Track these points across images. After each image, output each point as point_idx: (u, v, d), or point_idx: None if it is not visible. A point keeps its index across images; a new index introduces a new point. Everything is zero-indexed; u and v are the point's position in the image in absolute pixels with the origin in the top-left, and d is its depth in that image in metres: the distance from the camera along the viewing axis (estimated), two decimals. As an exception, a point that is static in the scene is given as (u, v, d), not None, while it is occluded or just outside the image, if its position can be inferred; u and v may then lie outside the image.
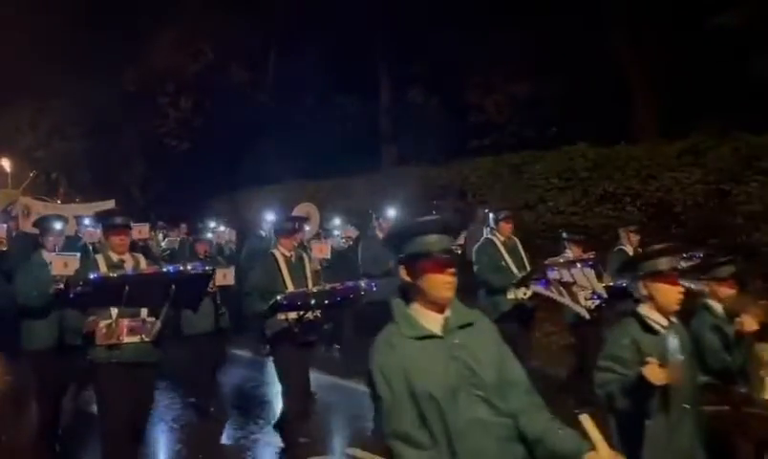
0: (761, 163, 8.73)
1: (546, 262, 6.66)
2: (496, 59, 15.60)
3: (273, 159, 17.38)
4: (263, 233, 10.60)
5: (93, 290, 4.23)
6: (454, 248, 2.66)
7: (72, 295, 4.40)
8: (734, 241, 8.31)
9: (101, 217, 5.52)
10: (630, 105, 14.13)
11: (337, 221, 11.27)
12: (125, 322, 4.48)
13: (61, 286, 5.12)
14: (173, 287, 4.33)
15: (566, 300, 6.54)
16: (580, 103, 14.17)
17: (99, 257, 4.85)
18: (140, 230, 8.67)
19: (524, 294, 6.58)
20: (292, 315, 5.44)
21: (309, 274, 5.81)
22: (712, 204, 9.10)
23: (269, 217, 10.49)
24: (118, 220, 4.89)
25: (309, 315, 5.52)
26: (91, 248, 8.83)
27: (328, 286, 5.52)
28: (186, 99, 19.29)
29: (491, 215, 7.18)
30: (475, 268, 6.98)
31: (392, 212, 8.87)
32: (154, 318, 4.54)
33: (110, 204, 12.17)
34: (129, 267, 4.74)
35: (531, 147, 12.38)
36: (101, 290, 4.28)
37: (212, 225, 11.15)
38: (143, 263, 4.96)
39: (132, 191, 19.49)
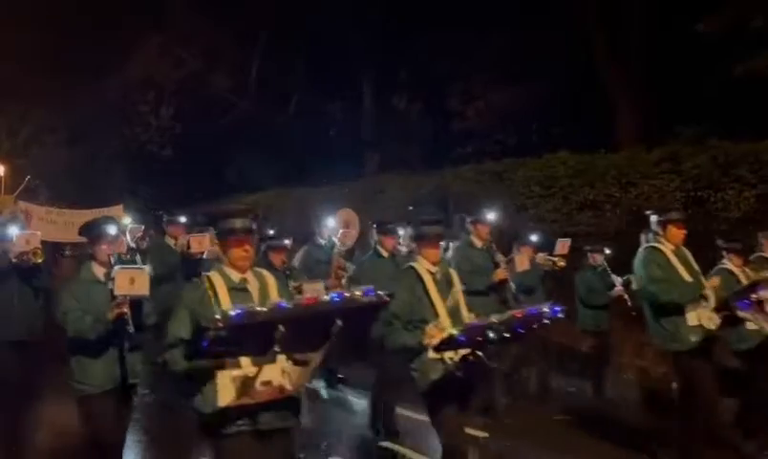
0: (738, 170, 8.86)
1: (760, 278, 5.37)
2: (477, 67, 15.71)
3: (256, 166, 17.34)
4: (322, 242, 9.47)
5: (232, 332, 2.81)
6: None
7: (205, 345, 3.01)
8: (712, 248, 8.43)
9: (211, 219, 4.54)
10: (611, 113, 14.28)
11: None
12: (266, 373, 3.20)
13: (124, 310, 4.09)
14: (339, 322, 3.02)
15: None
16: (561, 111, 14.31)
17: (215, 278, 3.49)
18: (200, 242, 7.23)
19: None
20: (448, 353, 4.09)
21: (460, 297, 4.57)
22: (690, 211, 9.21)
23: (330, 224, 9.48)
24: (239, 223, 3.50)
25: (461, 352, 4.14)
26: (117, 257, 8.35)
27: (508, 313, 3.98)
28: (168, 107, 19.20)
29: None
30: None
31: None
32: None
33: (118, 208, 11.43)
34: (255, 290, 3.50)
35: (513, 155, 12.45)
36: (245, 332, 2.89)
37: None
38: (272, 284, 3.63)
39: (112, 199, 19.32)
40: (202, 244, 7.24)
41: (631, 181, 10.03)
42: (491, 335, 3.79)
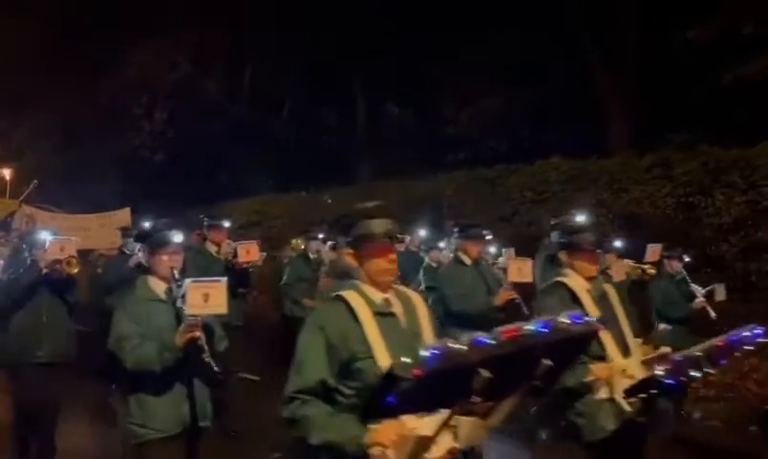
0: (728, 176, 8.91)
1: None
2: (470, 73, 15.76)
3: (249, 171, 17.34)
4: (413, 248, 8.70)
5: (427, 382, 1.96)
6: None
7: (393, 401, 2.10)
8: (702, 253, 8.47)
9: (341, 225, 3.03)
10: (603, 119, 14.35)
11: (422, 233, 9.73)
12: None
13: (197, 334, 3.39)
14: (546, 361, 2.14)
15: None
16: (553, 117, 14.37)
17: (353, 298, 2.57)
18: (249, 250, 6.50)
19: None
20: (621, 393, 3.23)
21: (621, 317, 3.65)
22: (681, 216, 9.25)
23: (422, 232, 8.74)
24: (381, 227, 2.64)
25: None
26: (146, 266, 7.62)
27: (708, 342, 3.07)
28: (161, 111, 19.18)
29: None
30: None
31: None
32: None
33: (126, 212, 11.15)
34: (401, 316, 2.63)
35: (505, 161, 12.49)
36: (440, 381, 2.00)
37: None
38: (420, 306, 2.72)
39: (105, 203, 19.28)
40: (251, 253, 6.49)
41: (623, 186, 10.07)
42: (693, 373, 2.91)
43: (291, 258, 9.01)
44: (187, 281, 3.50)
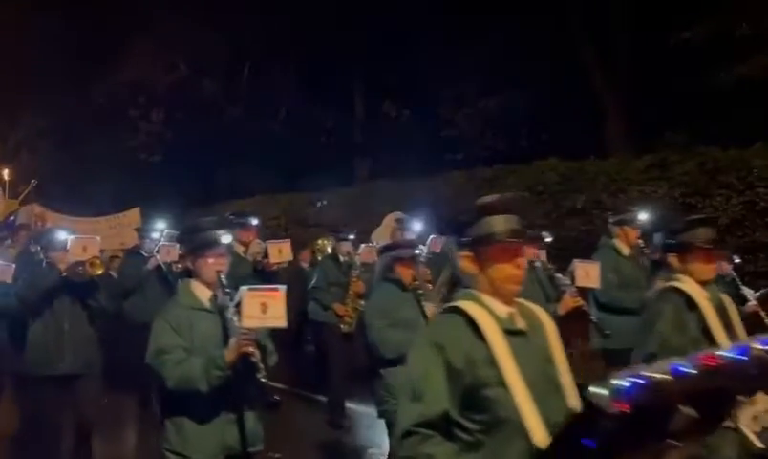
0: (726, 177, 8.94)
1: None
2: (467, 74, 15.78)
3: (246, 172, 17.33)
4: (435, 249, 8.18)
5: (630, 419, 1.52)
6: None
7: (591, 443, 1.59)
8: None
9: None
10: (600, 120, 14.38)
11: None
12: None
13: (250, 349, 2.99)
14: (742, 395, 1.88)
15: None
16: (551, 118, 14.39)
17: (476, 311, 2.13)
18: (281, 249, 6.09)
19: None
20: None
21: (740, 330, 3.24)
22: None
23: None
24: (505, 224, 2.14)
25: None
26: (166, 271, 6.98)
27: None
28: (158, 112, 19.16)
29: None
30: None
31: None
32: None
33: (135, 212, 10.90)
34: (523, 325, 2.21)
35: (503, 161, 12.51)
36: (642, 418, 1.57)
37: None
38: (548, 324, 2.31)
39: (103, 204, 19.25)
40: (284, 252, 6.05)
41: (620, 187, 10.09)
42: None
43: (321, 260, 8.31)
44: (243, 289, 3.08)
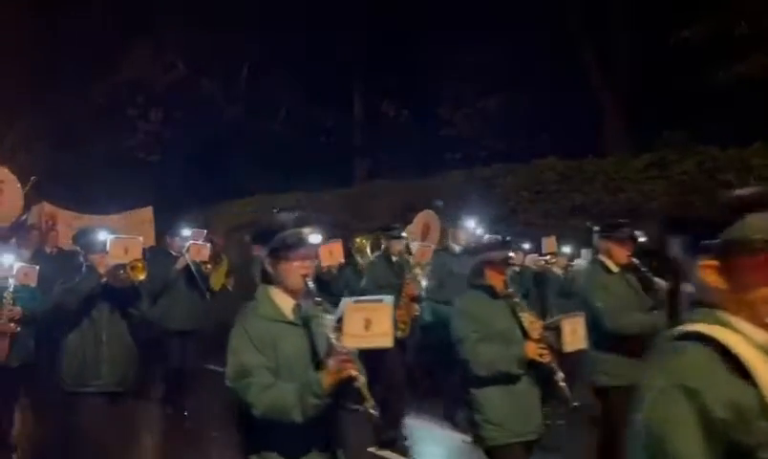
0: (724, 175, 8.94)
1: None
2: (466, 74, 15.78)
3: (245, 172, 17.31)
4: (456, 247, 7.42)
5: None
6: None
7: None
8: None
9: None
10: (599, 119, 14.39)
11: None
12: None
13: (352, 372, 2.52)
14: None
15: None
16: (549, 117, 14.39)
17: (732, 339, 1.51)
18: (332, 250, 5.66)
19: None
20: None
21: None
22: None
23: (472, 226, 7.40)
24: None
25: None
26: (195, 271, 6.70)
27: None
28: (156, 112, 19.14)
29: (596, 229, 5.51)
30: None
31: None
32: None
33: (148, 210, 10.61)
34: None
35: (501, 161, 12.51)
36: None
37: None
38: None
39: (100, 203, 19.21)
40: (335, 254, 5.49)
41: (619, 186, 10.09)
42: None
43: (372, 261, 7.54)
44: (346, 301, 2.73)
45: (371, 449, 5.87)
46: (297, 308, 2.83)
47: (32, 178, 12.56)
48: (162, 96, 18.97)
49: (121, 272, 4.38)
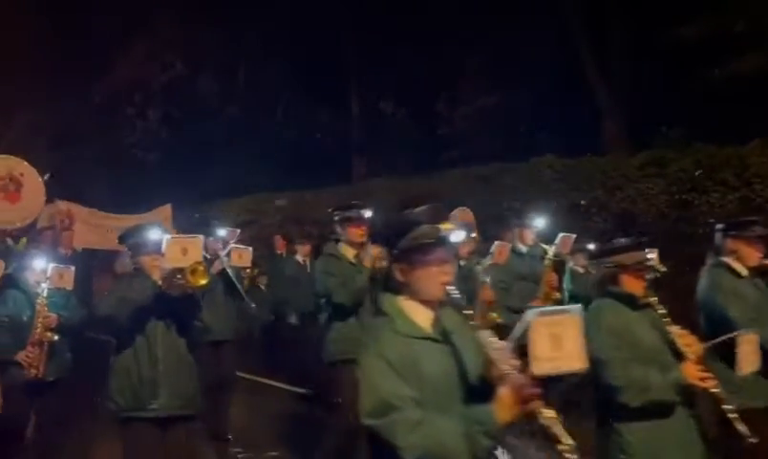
0: (722, 174, 8.96)
1: None
2: (464, 72, 15.78)
3: (243, 170, 17.29)
4: (523, 248, 6.86)
5: None
6: None
7: None
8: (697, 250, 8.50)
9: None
10: (597, 117, 14.40)
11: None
12: None
13: (539, 407, 2.08)
14: None
15: None
16: (547, 115, 14.40)
17: None
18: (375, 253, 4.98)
19: None
20: None
21: None
22: (675, 214, 9.30)
23: (540, 224, 6.84)
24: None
25: None
26: (234, 276, 6.09)
27: None
28: (154, 111, 19.12)
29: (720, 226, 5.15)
30: None
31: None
32: None
33: (167, 209, 10.24)
34: None
35: (499, 159, 12.52)
36: None
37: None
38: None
39: (97, 203, 19.19)
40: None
41: (617, 184, 10.11)
42: None
43: None
44: (532, 312, 2.15)
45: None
46: (437, 321, 2.36)
47: (46, 175, 12.17)
48: (160, 94, 18.95)
49: (178, 277, 3.73)
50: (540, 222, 6.80)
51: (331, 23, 16.83)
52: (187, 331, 4.05)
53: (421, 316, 2.34)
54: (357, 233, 4.99)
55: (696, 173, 9.13)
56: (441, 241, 2.32)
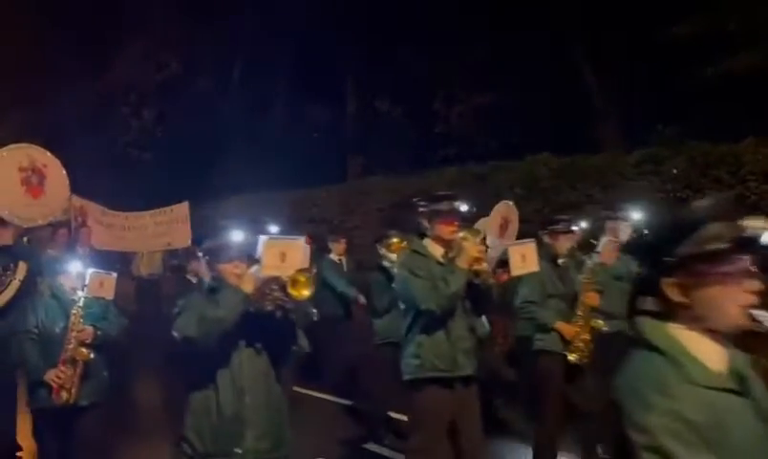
0: (716, 171, 8.99)
1: None
2: (460, 70, 15.79)
3: (238, 170, 17.28)
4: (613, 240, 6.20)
5: None
6: None
7: None
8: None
9: None
10: (592, 116, 14.43)
11: None
12: None
13: None
14: None
15: None
16: (543, 114, 14.42)
17: None
18: (525, 254, 4.53)
19: None
20: None
21: None
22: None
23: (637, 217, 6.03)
24: None
25: None
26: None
27: None
28: (149, 110, 19.09)
29: None
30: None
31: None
32: None
33: (184, 207, 9.40)
34: None
35: (495, 157, 12.54)
36: None
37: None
38: None
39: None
40: (528, 259, 4.34)
41: (613, 182, 10.14)
42: None
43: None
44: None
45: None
46: (731, 363, 1.74)
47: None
48: (155, 94, 18.92)
49: (274, 288, 3.02)
50: (636, 215, 5.93)
51: (327, 22, 16.81)
52: (282, 359, 3.29)
53: (714, 357, 1.70)
54: (448, 230, 4.25)
55: (674, 171, 9.17)
56: (747, 245, 1.64)
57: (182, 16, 17.57)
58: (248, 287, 3.06)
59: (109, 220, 8.28)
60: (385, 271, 6.09)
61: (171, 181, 17.56)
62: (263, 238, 3.10)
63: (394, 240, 5.98)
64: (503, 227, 6.43)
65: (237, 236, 3.32)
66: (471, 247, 4.06)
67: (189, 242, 8.55)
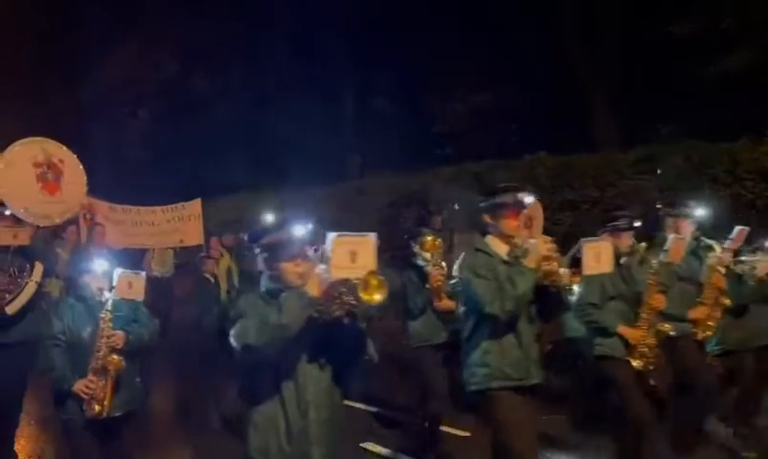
0: (712, 169, 9.03)
1: None
2: (457, 70, 15.82)
3: (236, 168, 17.27)
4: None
5: None
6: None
7: None
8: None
9: None
10: (589, 114, 14.47)
11: None
12: None
13: None
14: None
15: None
16: (540, 113, 14.46)
17: None
18: (600, 252, 3.95)
19: None
20: None
21: None
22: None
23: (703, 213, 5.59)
24: None
25: None
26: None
27: None
28: (146, 109, 19.08)
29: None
30: None
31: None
32: None
33: (197, 203, 9.26)
34: None
35: (493, 156, 12.56)
36: None
37: None
38: None
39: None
40: (603, 259, 4.00)
41: (609, 181, 10.17)
42: None
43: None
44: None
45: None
46: None
47: None
48: (152, 93, 18.90)
49: (343, 291, 2.71)
50: (700, 212, 5.51)
51: (325, 21, 16.82)
52: (350, 370, 3.00)
53: None
54: (514, 225, 3.80)
55: (659, 171, 9.22)
56: None
57: (179, 15, 17.55)
58: (314, 290, 2.74)
59: (117, 216, 8.08)
60: (419, 269, 5.71)
61: (168, 180, 17.57)
62: (331, 235, 2.73)
63: (429, 238, 5.69)
64: (527, 225, 5.81)
65: (299, 231, 2.97)
66: (540, 244, 3.64)
67: (202, 239, 8.46)
